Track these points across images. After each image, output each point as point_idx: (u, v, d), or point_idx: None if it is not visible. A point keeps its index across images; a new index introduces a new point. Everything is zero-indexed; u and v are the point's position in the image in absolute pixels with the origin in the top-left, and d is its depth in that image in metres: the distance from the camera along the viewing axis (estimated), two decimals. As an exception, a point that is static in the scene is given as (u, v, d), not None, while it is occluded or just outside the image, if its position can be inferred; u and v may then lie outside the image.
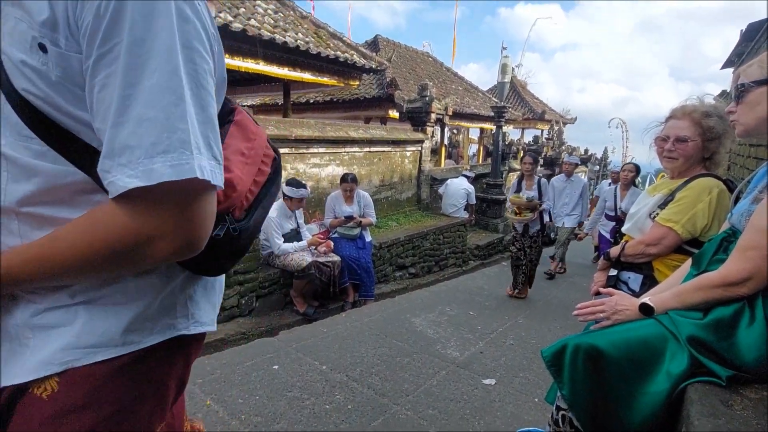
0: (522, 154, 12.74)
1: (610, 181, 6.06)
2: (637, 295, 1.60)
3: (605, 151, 24.24)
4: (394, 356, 2.79)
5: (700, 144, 1.59)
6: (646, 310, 1.16)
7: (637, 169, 4.75)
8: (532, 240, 4.24)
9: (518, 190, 4.32)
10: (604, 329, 1.24)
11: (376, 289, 4.65)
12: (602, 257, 1.93)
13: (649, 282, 1.64)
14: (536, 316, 3.83)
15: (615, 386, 1.09)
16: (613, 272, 1.82)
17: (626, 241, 1.81)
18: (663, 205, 1.66)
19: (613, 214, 4.74)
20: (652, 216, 1.70)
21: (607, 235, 5.03)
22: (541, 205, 4.21)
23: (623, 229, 1.90)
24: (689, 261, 1.29)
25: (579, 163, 5.64)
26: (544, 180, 4.41)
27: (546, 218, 4.36)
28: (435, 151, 10.38)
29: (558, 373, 1.19)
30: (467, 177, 7.94)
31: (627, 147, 24.16)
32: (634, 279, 1.73)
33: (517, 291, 4.28)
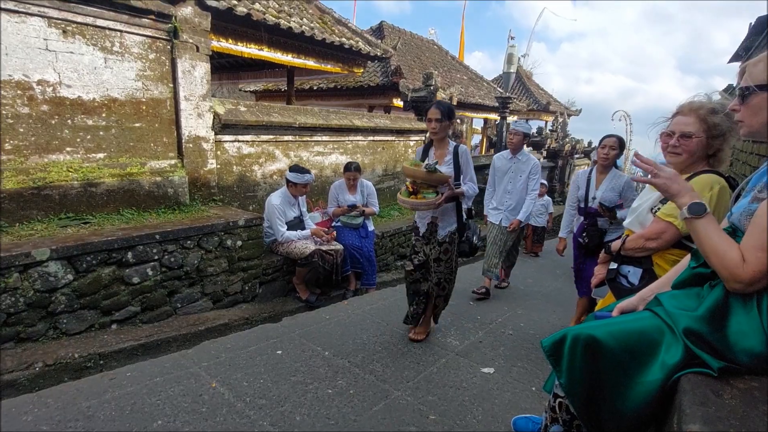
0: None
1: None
2: (636, 288, 1.64)
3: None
4: (396, 343, 2.85)
5: (704, 141, 1.61)
6: (696, 208, 1.09)
7: (620, 145, 3.08)
8: (441, 248, 2.67)
9: (425, 159, 2.71)
10: (603, 321, 1.28)
11: (378, 278, 4.69)
12: (603, 250, 1.96)
13: (648, 276, 1.68)
14: (535, 308, 3.88)
15: (611, 375, 1.13)
16: (614, 265, 1.85)
17: (627, 235, 1.84)
18: (665, 201, 1.68)
19: (582, 206, 3.22)
20: (654, 211, 1.72)
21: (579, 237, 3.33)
22: (457, 188, 2.62)
23: (624, 224, 1.92)
24: (688, 256, 1.32)
25: (530, 133, 4.02)
26: (465, 149, 2.72)
27: (465, 213, 2.80)
28: (438, 141, 10.33)
29: (557, 362, 1.23)
30: None
31: (631, 140, 23.97)
32: (634, 272, 1.77)
33: (414, 331, 2.92)
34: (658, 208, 1.70)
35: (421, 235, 2.78)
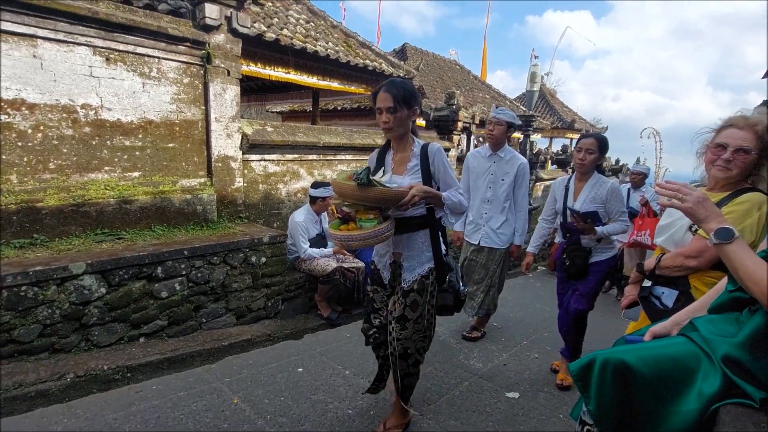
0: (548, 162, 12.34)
1: (629, 185, 5.10)
2: (669, 311, 1.56)
3: (637, 162, 23.41)
4: (417, 364, 2.79)
5: (755, 158, 1.53)
6: (724, 234, 1.05)
7: (600, 148, 2.51)
8: (407, 301, 1.81)
9: (379, 167, 1.86)
10: (635, 345, 1.22)
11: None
12: (635, 269, 1.88)
13: (684, 298, 1.60)
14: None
15: (644, 404, 1.07)
16: (647, 283, 1.77)
17: (662, 253, 1.76)
18: None
19: (561, 220, 2.70)
20: (694, 229, 1.64)
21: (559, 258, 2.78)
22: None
23: (657, 242, 1.84)
24: (725, 279, 1.26)
25: (515, 123, 3.06)
26: (437, 148, 1.81)
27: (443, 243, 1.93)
28: (461, 159, 10.33)
29: (585, 387, 1.18)
30: None
31: (661, 158, 23.24)
32: (668, 294, 1.69)
33: (372, 387, 2.12)
34: (699, 227, 1.62)
35: (385, 282, 1.90)
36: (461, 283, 1.97)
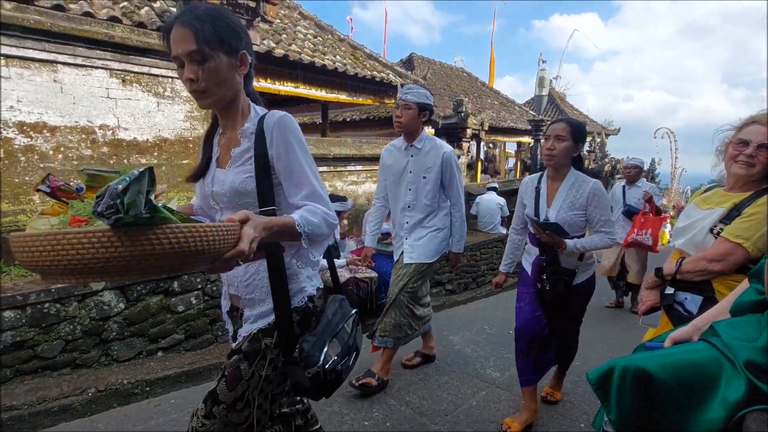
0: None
1: (623, 183, 4.54)
2: (693, 317, 1.52)
3: (652, 162, 23.01)
4: (432, 374, 2.77)
5: None
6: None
7: (575, 135, 2.02)
8: (225, 369, 1.15)
9: (204, 159, 1.22)
10: (655, 352, 1.20)
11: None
12: (653, 274, 1.83)
13: (709, 304, 1.55)
14: (580, 338, 3.66)
15: (666, 412, 1.04)
16: (670, 290, 1.71)
17: (682, 258, 1.71)
18: (727, 220, 1.56)
19: (533, 231, 2.13)
20: (715, 231, 1.60)
21: (528, 270, 2.23)
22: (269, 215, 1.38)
23: (677, 244, 1.78)
24: (744, 282, 1.22)
25: (428, 105, 2.35)
26: (283, 118, 1.04)
27: (304, 278, 1.22)
28: (471, 166, 10.32)
29: (605, 396, 1.16)
30: (494, 189, 7.80)
31: (676, 158, 22.80)
32: (692, 300, 1.63)
33: None
34: (721, 229, 1.58)
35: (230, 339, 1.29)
36: (327, 356, 1.13)
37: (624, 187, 4.50)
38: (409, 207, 2.45)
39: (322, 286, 1.31)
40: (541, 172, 2.20)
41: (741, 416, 0.93)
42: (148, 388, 2.78)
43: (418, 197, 2.42)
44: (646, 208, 3.97)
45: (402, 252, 2.50)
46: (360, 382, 2.41)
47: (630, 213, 4.20)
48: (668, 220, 13.71)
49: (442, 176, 2.40)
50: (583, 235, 2.09)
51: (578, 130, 2.02)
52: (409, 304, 2.48)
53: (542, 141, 2.19)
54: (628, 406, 1.10)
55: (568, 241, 1.97)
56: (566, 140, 1.98)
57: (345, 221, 4.25)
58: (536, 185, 2.16)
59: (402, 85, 2.52)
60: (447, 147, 2.42)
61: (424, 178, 2.39)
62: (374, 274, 4.13)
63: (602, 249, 2.10)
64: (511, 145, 15.76)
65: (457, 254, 2.60)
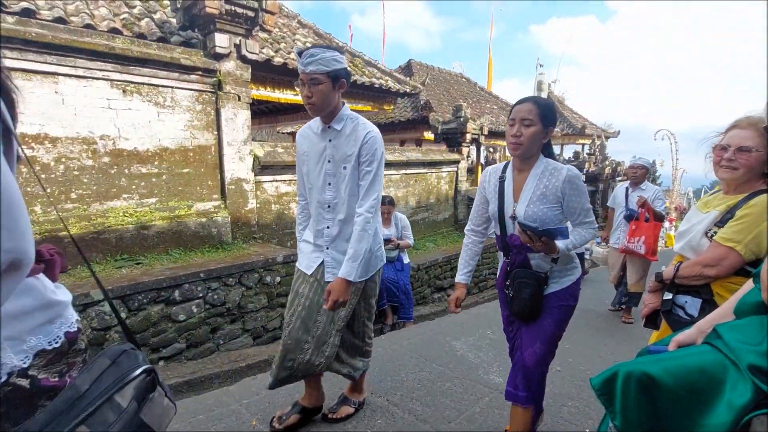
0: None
1: (627, 184, 4.22)
2: (694, 320, 1.51)
3: (653, 164, 22.98)
4: (435, 381, 2.75)
5: (764, 156, 1.50)
6: None
7: (544, 117, 1.68)
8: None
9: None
10: (658, 356, 1.18)
11: (415, 312, 4.61)
12: (654, 278, 1.83)
13: (709, 307, 1.54)
14: (583, 341, 3.64)
15: (672, 417, 1.03)
16: (668, 296, 1.72)
17: (680, 262, 1.72)
18: (721, 224, 1.57)
19: (498, 232, 1.85)
20: (710, 234, 1.60)
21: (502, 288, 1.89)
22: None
23: (675, 248, 1.80)
24: (749, 282, 1.22)
25: (341, 71, 1.78)
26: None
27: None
28: (471, 171, 10.33)
29: (609, 402, 1.15)
30: None
31: (677, 159, 22.79)
32: (692, 303, 1.63)
33: None
34: (715, 232, 1.58)
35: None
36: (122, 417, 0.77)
37: (627, 188, 4.19)
38: (329, 207, 1.89)
39: (52, 346, 0.84)
40: (506, 162, 1.84)
41: (747, 420, 0.92)
42: (149, 399, 2.76)
43: (338, 194, 1.87)
44: (640, 213, 3.76)
45: (320, 265, 1.91)
46: (333, 415, 2.16)
47: (631, 217, 3.94)
48: (673, 223, 13.65)
49: (360, 163, 1.84)
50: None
51: (547, 111, 1.65)
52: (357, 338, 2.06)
53: (507, 126, 1.71)
54: (633, 411, 1.08)
55: (560, 244, 1.63)
56: (534, 124, 1.62)
57: None
58: (500, 176, 1.80)
59: (300, 53, 1.75)
60: (371, 127, 1.86)
61: (344, 168, 1.84)
62: (376, 281, 4.13)
63: (588, 242, 1.78)
64: (511, 149, 15.77)
65: (342, 283, 1.75)
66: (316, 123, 1.91)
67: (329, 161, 1.87)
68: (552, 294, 1.73)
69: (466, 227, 1.97)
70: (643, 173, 4.11)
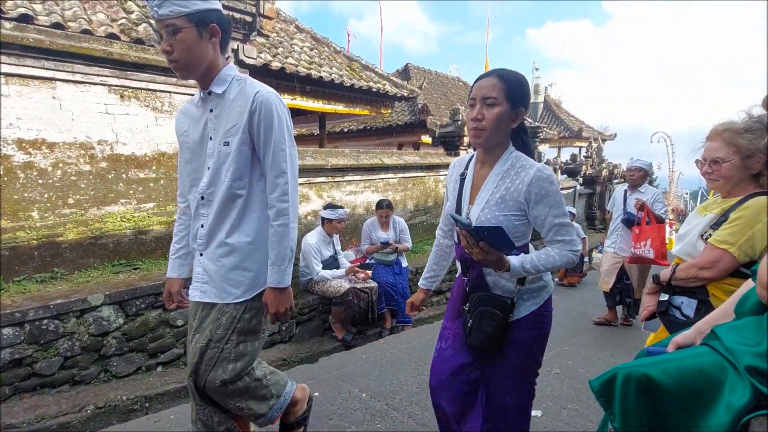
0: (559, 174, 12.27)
1: (626, 187, 4.08)
2: (691, 321, 1.52)
3: (650, 166, 23.09)
4: (435, 384, 2.74)
5: (738, 163, 1.54)
6: None
7: (511, 96, 1.31)
8: None
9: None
10: (657, 357, 1.19)
11: (414, 315, 4.61)
12: (651, 280, 1.85)
13: (704, 308, 1.56)
14: (582, 343, 3.64)
15: (671, 418, 1.03)
16: (664, 297, 1.73)
17: (677, 264, 1.73)
18: (715, 226, 1.59)
19: (456, 240, 1.54)
20: (704, 237, 1.62)
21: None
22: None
23: (673, 251, 1.81)
24: (747, 282, 1.22)
25: (209, 13, 1.33)
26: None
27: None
28: (469, 174, 10.36)
29: (608, 404, 1.15)
30: None
31: (674, 162, 22.91)
32: (688, 304, 1.64)
33: None
34: (710, 234, 1.60)
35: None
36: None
37: (626, 191, 4.03)
38: (203, 199, 1.44)
39: None
40: (471, 154, 1.52)
41: (746, 421, 0.92)
42: (147, 404, 2.75)
43: (216, 180, 1.40)
44: (640, 216, 3.62)
45: (199, 284, 1.47)
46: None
47: (630, 221, 3.80)
48: (673, 227, 13.72)
49: (253, 135, 1.38)
50: (525, 247, 1.38)
51: (516, 86, 1.31)
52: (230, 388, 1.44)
53: (467, 107, 1.41)
54: (632, 413, 1.09)
55: (513, 259, 1.30)
56: (499, 104, 1.29)
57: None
58: (462, 170, 1.49)
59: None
60: (265, 87, 1.41)
61: (225, 145, 1.38)
62: (374, 284, 4.12)
63: (560, 268, 1.40)
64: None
65: (277, 293, 1.42)
66: (197, 97, 1.48)
67: (211, 138, 1.41)
68: (517, 322, 1.39)
69: (437, 229, 1.71)
70: (640, 175, 3.97)
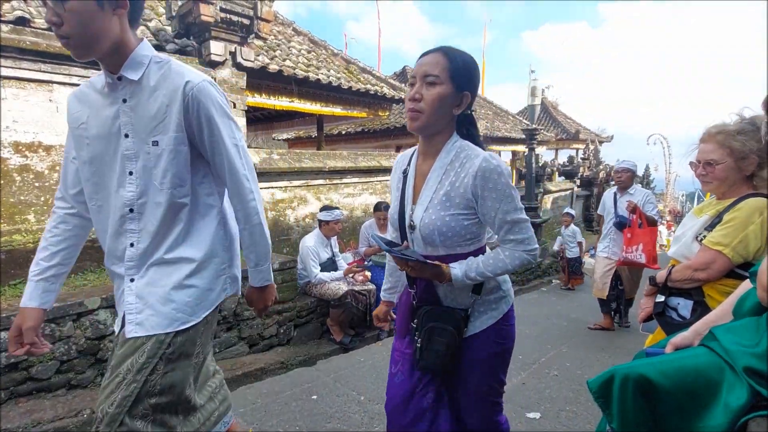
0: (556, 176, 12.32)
1: (615, 189, 4.04)
2: (687, 322, 1.53)
3: (647, 169, 23.22)
4: (433, 387, 2.74)
5: (731, 164, 1.55)
6: None
7: (455, 73, 1.15)
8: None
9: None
10: (655, 358, 1.19)
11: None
12: (648, 281, 1.85)
13: (701, 308, 1.56)
14: (581, 345, 3.65)
15: (669, 419, 1.03)
16: (661, 298, 1.74)
17: (673, 265, 1.74)
18: (710, 228, 1.60)
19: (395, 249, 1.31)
20: (699, 239, 1.63)
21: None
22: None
23: (669, 253, 1.82)
24: (745, 283, 1.23)
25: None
26: None
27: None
28: (466, 176, 10.37)
29: (606, 405, 1.15)
30: None
31: (670, 164, 23.02)
32: (684, 305, 1.65)
33: None
34: (704, 236, 1.61)
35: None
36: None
37: (615, 194, 3.98)
38: (132, 212, 1.17)
39: None
40: (416, 146, 1.34)
41: (744, 422, 0.92)
42: (144, 409, 2.73)
43: (148, 188, 1.16)
44: (632, 219, 3.54)
45: (123, 315, 1.18)
46: None
47: (622, 225, 3.71)
48: (672, 228, 13.77)
49: (192, 134, 1.17)
50: (480, 249, 1.24)
51: (462, 66, 1.15)
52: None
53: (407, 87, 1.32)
54: (630, 414, 1.09)
55: (455, 267, 1.16)
56: (441, 83, 1.13)
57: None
58: (405, 166, 1.31)
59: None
60: (194, 73, 1.18)
61: (155, 144, 1.14)
62: (372, 287, 4.11)
63: (511, 271, 1.21)
64: (506, 154, 15.89)
65: (262, 290, 1.37)
66: (99, 78, 1.20)
67: (127, 135, 1.14)
68: (473, 338, 1.23)
69: (388, 234, 1.48)
70: (629, 176, 3.92)
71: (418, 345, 1.24)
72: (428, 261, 1.16)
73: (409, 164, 1.31)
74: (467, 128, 1.24)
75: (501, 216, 1.16)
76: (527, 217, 1.19)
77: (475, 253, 1.23)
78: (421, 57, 1.19)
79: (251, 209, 1.26)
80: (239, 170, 1.22)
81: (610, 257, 3.90)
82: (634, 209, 3.49)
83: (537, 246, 1.21)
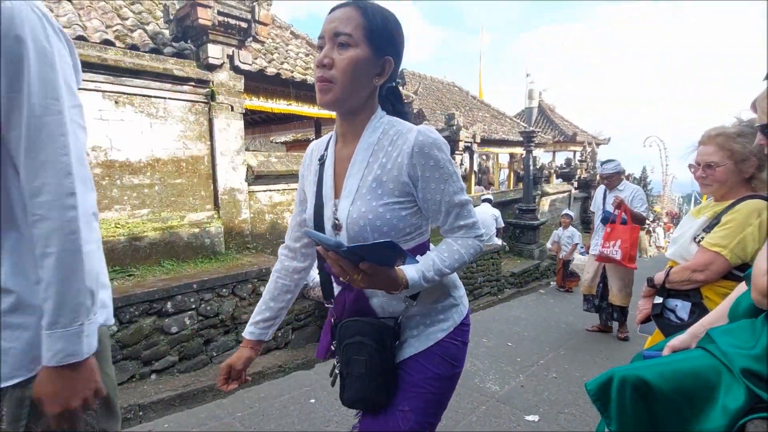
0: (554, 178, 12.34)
1: (604, 189, 3.95)
2: (686, 324, 1.53)
3: (644, 171, 23.33)
4: (431, 390, 2.73)
5: (731, 167, 1.56)
6: None
7: (369, 31, 0.91)
8: None
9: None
10: (652, 361, 1.19)
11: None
12: (646, 283, 1.86)
13: (699, 310, 1.57)
14: (579, 347, 3.64)
15: (667, 422, 1.03)
16: (659, 299, 1.74)
17: (671, 267, 1.74)
18: (708, 229, 1.60)
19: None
20: (697, 240, 1.63)
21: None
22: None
23: (667, 254, 1.83)
24: (741, 285, 1.23)
25: None
26: None
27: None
28: (464, 178, 10.38)
29: (605, 407, 1.14)
30: (489, 201, 7.85)
31: (667, 165, 23.12)
32: (682, 306, 1.65)
33: None
34: (702, 237, 1.61)
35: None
36: None
37: (605, 190, 3.91)
38: None
39: None
40: (331, 132, 1.10)
41: (742, 424, 0.92)
42: (141, 413, 2.71)
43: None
44: (616, 215, 3.47)
45: None
46: None
47: (607, 220, 3.64)
48: (670, 231, 13.80)
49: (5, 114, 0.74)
50: (425, 245, 1.03)
51: (383, 24, 0.92)
52: None
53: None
54: (628, 416, 1.08)
55: (409, 271, 0.88)
56: (356, 44, 0.90)
57: None
58: (321, 153, 1.06)
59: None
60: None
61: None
62: (371, 289, 4.11)
63: (463, 266, 0.99)
64: (503, 156, 15.94)
65: (59, 374, 0.76)
66: None
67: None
68: (411, 360, 0.98)
69: (280, 247, 1.23)
70: (616, 177, 3.80)
71: (337, 372, 1.00)
72: (391, 264, 0.85)
73: (326, 150, 1.05)
74: (393, 103, 1.02)
75: (448, 199, 0.94)
76: (471, 198, 1.00)
77: (420, 249, 0.99)
78: (330, 12, 0.93)
79: (62, 222, 0.78)
80: (51, 155, 0.80)
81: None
82: (619, 204, 3.43)
83: (482, 231, 1.03)
